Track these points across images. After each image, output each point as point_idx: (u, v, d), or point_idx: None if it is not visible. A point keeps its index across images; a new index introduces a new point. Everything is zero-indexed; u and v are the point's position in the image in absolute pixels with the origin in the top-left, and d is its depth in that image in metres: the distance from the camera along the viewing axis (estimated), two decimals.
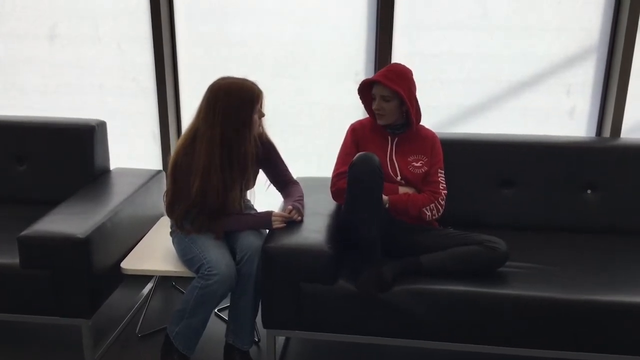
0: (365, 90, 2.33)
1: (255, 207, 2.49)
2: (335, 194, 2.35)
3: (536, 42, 2.71)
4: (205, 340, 2.37)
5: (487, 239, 2.16)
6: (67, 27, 2.91)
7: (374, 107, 2.28)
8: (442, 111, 2.83)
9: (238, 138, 2.18)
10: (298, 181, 2.46)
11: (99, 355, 2.41)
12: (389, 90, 2.23)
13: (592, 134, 2.81)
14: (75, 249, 2.15)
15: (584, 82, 2.75)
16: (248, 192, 2.40)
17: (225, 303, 2.54)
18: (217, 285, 2.11)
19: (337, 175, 2.34)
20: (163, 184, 2.84)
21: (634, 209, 2.55)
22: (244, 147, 2.20)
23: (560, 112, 2.80)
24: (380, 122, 2.30)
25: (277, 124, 2.46)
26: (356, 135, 2.38)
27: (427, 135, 2.38)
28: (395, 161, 2.33)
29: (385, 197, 2.23)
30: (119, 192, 2.58)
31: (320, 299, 2.13)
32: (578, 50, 2.71)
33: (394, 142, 2.34)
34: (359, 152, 2.27)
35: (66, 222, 2.26)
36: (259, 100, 2.21)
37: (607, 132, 2.74)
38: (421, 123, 2.38)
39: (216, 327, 2.60)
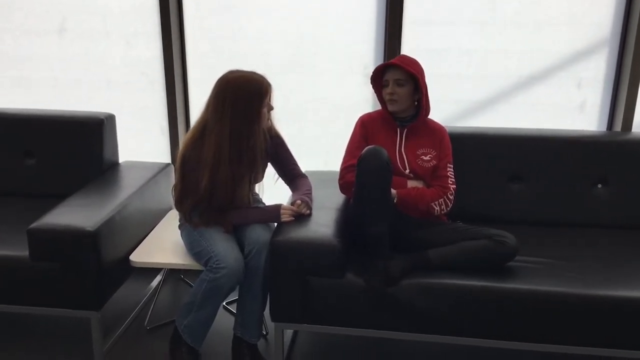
0: (377, 80, 2.32)
1: (264, 200, 2.49)
2: (343, 186, 2.34)
3: (546, 37, 2.69)
4: (213, 333, 2.37)
5: (497, 233, 2.15)
6: (76, 21, 2.91)
7: (386, 92, 2.27)
8: (451, 106, 2.81)
9: (247, 131, 2.18)
10: (307, 175, 2.45)
11: (107, 348, 2.42)
12: (404, 73, 2.22)
13: (603, 128, 2.79)
14: (85, 242, 2.16)
15: (595, 75, 2.72)
16: (257, 185, 2.40)
17: (234, 296, 2.54)
18: (225, 278, 2.11)
19: (345, 168, 2.33)
20: (172, 177, 2.84)
21: None
22: (252, 140, 2.19)
23: (571, 106, 2.77)
24: (391, 108, 2.28)
25: (284, 119, 2.45)
26: (365, 128, 2.37)
27: (436, 128, 2.37)
28: (404, 154, 2.32)
29: (393, 192, 2.22)
30: (128, 185, 2.58)
31: (328, 292, 2.12)
32: (589, 44, 2.69)
33: (403, 134, 2.33)
34: (367, 144, 2.27)
35: (75, 214, 2.26)
36: (268, 93, 2.20)
37: (618, 126, 2.71)
38: (430, 117, 2.36)
39: (224, 320, 2.61)
